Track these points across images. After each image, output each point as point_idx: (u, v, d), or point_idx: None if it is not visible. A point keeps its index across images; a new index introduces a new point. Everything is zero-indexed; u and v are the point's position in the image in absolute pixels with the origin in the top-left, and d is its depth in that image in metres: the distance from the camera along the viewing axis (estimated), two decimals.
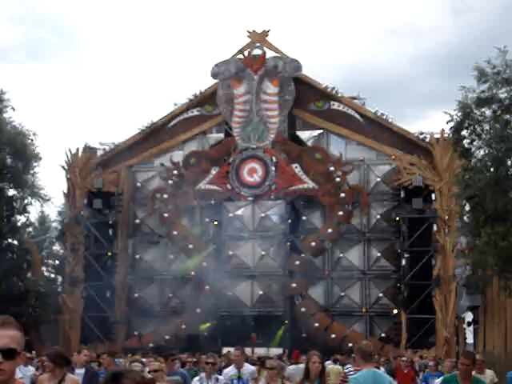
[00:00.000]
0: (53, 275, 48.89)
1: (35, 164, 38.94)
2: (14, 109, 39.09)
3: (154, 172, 39.66)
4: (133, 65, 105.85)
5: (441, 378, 10.51)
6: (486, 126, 32.36)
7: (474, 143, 34.30)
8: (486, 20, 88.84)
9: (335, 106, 37.94)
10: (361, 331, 36.20)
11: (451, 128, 34.14)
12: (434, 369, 17.93)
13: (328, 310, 36.76)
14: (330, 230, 36.56)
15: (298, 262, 36.73)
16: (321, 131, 38.31)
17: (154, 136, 39.58)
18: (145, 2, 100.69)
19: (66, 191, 39.29)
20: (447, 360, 17.41)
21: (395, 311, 35.68)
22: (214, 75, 38.63)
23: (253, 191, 37.61)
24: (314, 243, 36.68)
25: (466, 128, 33.92)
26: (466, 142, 34.36)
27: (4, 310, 34.04)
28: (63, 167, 39.19)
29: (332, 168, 36.79)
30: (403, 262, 35.64)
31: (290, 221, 37.46)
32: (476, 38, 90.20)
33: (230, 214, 37.70)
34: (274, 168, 37.48)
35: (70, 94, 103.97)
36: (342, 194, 36.48)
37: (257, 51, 38.49)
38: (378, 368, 13.35)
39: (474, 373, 8.71)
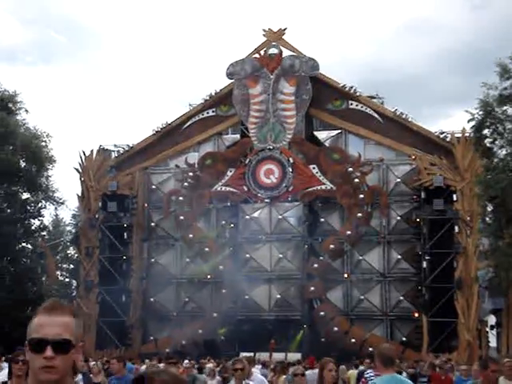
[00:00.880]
0: (67, 279, 48.66)
1: (49, 167, 38.89)
2: (27, 111, 39.01)
3: (169, 174, 39.25)
4: (147, 65, 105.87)
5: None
6: (509, 125, 31.78)
7: (496, 142, 33.74)
8: (505, 16, 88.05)
9: (353, 105, 37.38)
10: (381, 335, 35.53)
11: (472, 127, 33.62)
12: (465, 373, 17.21)
13: (347, 313, 36.12)
14: (348, 232, 35.95)
15: (316, 265, 36.15)
16: (339, 131, 37.72)
17: (169, 137, 39.15)
18: (160, 2, 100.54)
19: (80, 194, 38.94)
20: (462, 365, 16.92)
21: (416, 314, 34.99)
22: (230, 75, 38.19)
23: (269, 193, 37.11)
24: (332, 245, 36.09)
25: (488, 127, 33.37)
26: (487, 141, 33.82)
27: (18, 314, 33.77)
28: (77, 170, 38.86)
29: (350, 169, 36.21)
30: (424, 264, 34.94)
31: (307, 223, 36.89)
32: (496, 35, 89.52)
33: (247, 216, 37.23)
34: (291, 169, 36.97)
35: (84, 95, 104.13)
36: (361, 195, 35.89)
37: (273, 50, 38.00)
38: (400, 373, 12.75)
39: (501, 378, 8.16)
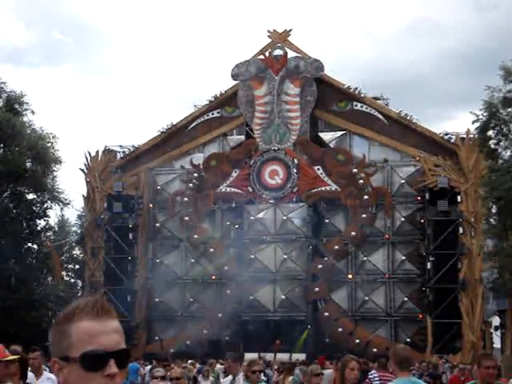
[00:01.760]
0: (73, 280, 48.78)
1: (55, 168, 39.01)
2: (33, 112, 39.16)
3: (174, 175, 39.31)
4: (152, 66, 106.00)
5: None
6: None
7: (501, 144, 33.88)
8: (510, 17, 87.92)
9: (358, 106, 37.43)
10: (385, 336, 35.59)
11: (477, 128, 33.71)
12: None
13: (352, 314, 36.16)
14: (353, 233, 36.01)
15: (320, 266, 36.21)
16: (343, 132, 37.76)
17: (174, 138, 39.25)
18: (164, 2, 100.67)
19: (85, 195, 39.04)
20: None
21: (421, 316, 35.03)
22: (235, 76, 38.26)
23: (274, 194, 37.18)
24: (337, 246, 36.14)
25: (493, 128, 33.49)
26: (492, 142, 33.95)
27: (24, 314, 33.95)
28: (83, 170, 38.96)
29: (355, 170, 36.26)
30: (428, 265, 34.93)
31: (312, 224, 36.91)
32: (501, 36, 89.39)
33: (251, 217, 37.29)
34: (295, 170, 37.04)
35: (89, 96, 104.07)
36: (366, 196, 35.96)
37: (278, 51, 38.07)
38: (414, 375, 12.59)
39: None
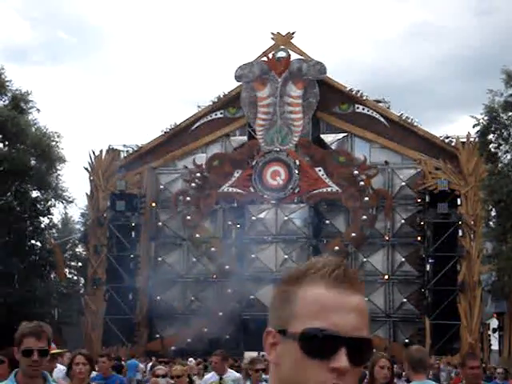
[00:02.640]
0: (75, 277, 49.10)
1: (59, 166, 39.27)
2: (38, 110, 39.44)
3: (177, 174, 39.62)
4: (156, 66, 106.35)
5: None
6: None
7: (501, 147, 34.10)
8: (511, 21, 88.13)
9: (360, 109, 37.73)
10: (384, 336, 35.89)
11: (477, 132, 33.95)
12: (502, 377, 16.59)
13: None
14: (353, 234, 36.32)
15: None
16: (345, 134, 38.04)
17: (178, 138, 39.55)
18: (168, 3, 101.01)
19: (89, 193, 39.37)
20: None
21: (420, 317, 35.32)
22: (238, 78, 38.55)
23: (276, 194, 37.46)
24: (337, 247, 36.45)
25: (493, 132, 33.71)
26: (492, 146, 34.17)
27: (27, 310, 34.27)
28: (86, 169, 39.30)
29: (356, 171, 36.55)
30: (428, 267, 35.24)
31: (312, 224, 37.20)
32: (501, 40, 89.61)
33: (253, 217, 37.57)
34: (297, 171, 37.32)
35: (93, 95, 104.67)
36: (366, 198, 36.23)
37: (281, 53, 38.35)
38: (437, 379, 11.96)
39: None
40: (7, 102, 38.34)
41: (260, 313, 36.31)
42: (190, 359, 24.22)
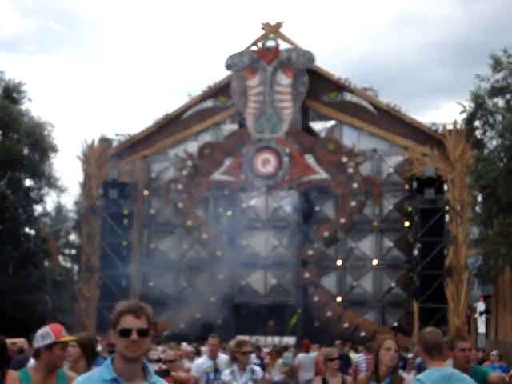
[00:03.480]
0: (69, 264, 49.46)
1: (52, 155, 39.60)
2: (30, 100, 39.78)
3: (169, 163, 39.95)
4: (147, 56, 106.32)
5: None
6: (499, 117, 32.52)
7: (487, 134, 34.49)
8: (496, 8, 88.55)
9: (348, 97, 38.13)
10: (373, 320, 36.50)
11: (464, 119, 34.37)
12: (497, 359, 15.77)
13: (341, 299, 36.97)
14: (342, 220, 36.79)
15: (310, 252, 36.98)
16: (334, 122, 38.43)
17: (169, 127, 39.89)
18: None
19: (82, 182, 39.71)
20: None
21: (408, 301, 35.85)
22: (228, 67, 38.86)
23: (266, 182, 37.80)
24: (326, 233, 36.93)
25: (479, 118, 34.11)
26: (478, 132, 34.59)
27: (20, 298, 34.74)
28: (79, 158, 39.64)
29: (345, 159, 36.96)
30: (415, 252, 35.76)
31: (303, 211, 37.61)
32: (486, 27, 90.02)
33: (244, 205, 37.94)
34: (287, 159, 37.66)
35: (85, 85, 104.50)
36: (355, 185, 36.66)
37: (270, 43, 38.66)
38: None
39: None
40: (0, 92, 38.63)
41: (251, 298, 36.91)
42: (184, 344, 24.81)
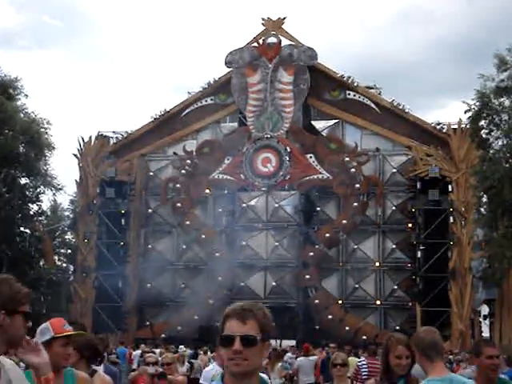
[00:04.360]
0: (65, 264, 48.92)
1: (48, 153, 39.06)
2: (26, 96, 39.16)
3: (167, 161, 39.45)
4: (146, 52, 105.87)
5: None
6: (505, 116, 31.95)
7: (492, 133, 33.92)
8: (501, 6, 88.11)
9: (351, 95, 37.58)
10: (375, 323, 35.94)
11: (469, 118, 33.79)
12: (505, 364, 15.38)
13: (342, 301, 36.42)
14: (344, 221, 36.22)
15: (311, 254, 36.45)
16: (336, 121, 37.90)
17: (168, 125, 39.35)
18: None
19: (78, 180, 39.15)
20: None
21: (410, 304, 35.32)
22: (228, 63, 38.32)
23: (266, 181, 37.33)
24: (328, 234, 36.37)
25: (484, 118, 33.53)
26: (483, 132, 34.00)
27: None
28: (76, 155, 39.06)
29: (347, 158, 36.44)
30: (418, 254, 35.23)
31: (303, 211, 37.10)
32: (491, 25, 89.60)
33: (244, 205, 37.45)
34: (288, 158, 37.17)
35: (82, 81, 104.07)
36: (357, 185, 36.15)
37: (272, 39, 38.13)
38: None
39: None
40: None
41: (250, 300, 36.21)
42: (181, 346, 24.19)
